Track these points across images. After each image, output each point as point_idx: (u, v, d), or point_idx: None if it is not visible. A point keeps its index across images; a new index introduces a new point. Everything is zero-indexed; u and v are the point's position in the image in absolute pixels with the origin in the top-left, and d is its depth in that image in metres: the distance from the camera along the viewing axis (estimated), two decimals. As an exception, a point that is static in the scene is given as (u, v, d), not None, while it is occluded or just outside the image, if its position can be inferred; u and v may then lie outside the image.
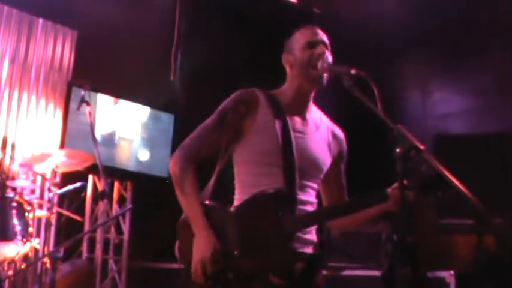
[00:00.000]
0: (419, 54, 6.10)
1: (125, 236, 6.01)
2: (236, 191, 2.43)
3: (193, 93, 5.82)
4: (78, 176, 5.11)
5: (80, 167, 4.85)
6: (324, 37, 2.46)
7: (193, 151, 2.38)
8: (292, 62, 2.45)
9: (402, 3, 5.98)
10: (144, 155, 6.05)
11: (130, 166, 5.95)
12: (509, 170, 5.21)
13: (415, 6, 5.99)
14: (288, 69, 2.49)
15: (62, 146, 5.34)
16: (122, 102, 5.94)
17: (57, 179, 5.03)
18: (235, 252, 2.25)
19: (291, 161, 2.33)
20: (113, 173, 5.66)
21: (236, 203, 2.39)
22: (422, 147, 1.91)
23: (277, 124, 2.36)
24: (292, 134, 2.38)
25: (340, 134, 2.58)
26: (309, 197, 2.40)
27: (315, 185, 2.44)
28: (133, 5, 5.86)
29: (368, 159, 5.54)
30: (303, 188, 2.38)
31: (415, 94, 6.36)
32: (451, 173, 2.05)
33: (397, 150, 1.90)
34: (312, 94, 2.47)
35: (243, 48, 6.02)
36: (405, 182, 1.95)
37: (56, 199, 5.00)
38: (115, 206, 6.03)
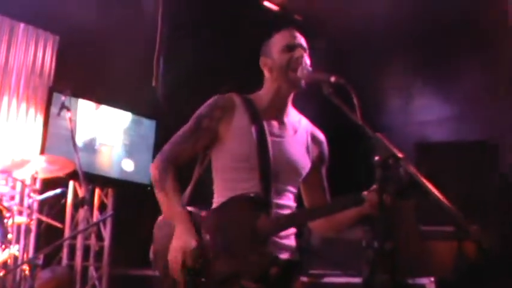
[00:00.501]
0: (400, 62, 6.17)
1: (106, 243, 5.97)
2: (214, 195, 2.46)
3: (175, 99, 5.81)
4: (59, 182, 5.07)
5: (60, 173, 4.82)
6: (303, 40, 2.48)
7: (173, 156, 2.40)
8: (270, 65, 2.47)
9: (383, 10, 6.02)
10: (125, 161, 6.03)
11: (112, 172, 5.93)
12: (489, 177, 5.25)
13: (397, 13, 6.05)
14: (266, 73, 2.50)
15: (42, 152, 5.30)
16: (103, 107, 5.92)
17: (37, 185, 5.00)
18: (210, 255, 2.26)
19: (267, 165, 2.35)
20: (94, 179, 5.63)
21: (214, 206, 2.41)
22: (400, 155, 1.92)
23: (254, 128, 2.38)
24: (269, 138, 2.39)
25: (320, 136, 2.59)
26: (286, 201, 2.41)
27: (293, 189, 2.46)
28: (116, 10, 5.84)
29: (348, 166, 5.58)
30: (281, 192, 2.39)
31: (396, 101, 6.41)
32: (430, 180, 2.07)
33: (376, 158, 1.92)
34: (291, 97, 2.49)
35: (226, 54, 6.04)
36: (383, 186, 1.97)
37: (35, 205, 4.97)
38: (96, 212, 5.99)
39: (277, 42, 2.47)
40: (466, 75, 5.73)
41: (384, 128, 5.99)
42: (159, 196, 2.36)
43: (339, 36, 5.95)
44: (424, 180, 1.94)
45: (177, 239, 2.26)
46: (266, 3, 5.51)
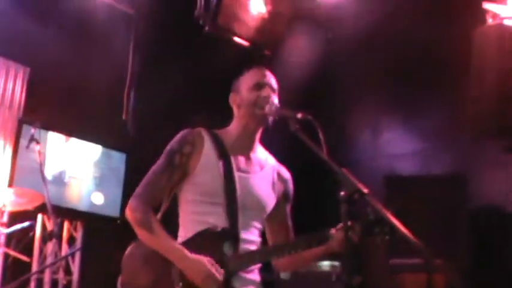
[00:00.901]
0: (368, 96, 6.26)
1: (74, 277, 5.88)
2: (180, 229, 2.48)
3: (145, 132, 5.82)
4: (27, 215, 5.00)
5: (28, 206, 4.77)
6: (272, 80, 2.53)
7: (147, 198, 2.40)
8: (239, 101, 2.51)
9: (353, 44, 6.15)
10: (95, 194, 5.98)
11: (81, 205, 5.87)
12: (459, 211, 5.30)
13: (364, 48, 6.18)
14: (234, 109, 2.55)
15: (10, 185, 5.24)
16: (73, 140, 5.88)
17: (5, 218, 4.93)
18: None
19: (234, 201, 2.38)
20: (63, 212, 5.57)
21: (179, 240, 2.42)
22: (365, 190, 1.95)
23: (221, 164, 2.41)
24: (236, 174, 2.43)
25: (286, 174, 2.63)
26: (252, 236, 2.44)
27: (258, 225, 2.49)
28: (87, 42, 5.87)
29: (315, 202, 5.62)
30: (246, 227, 2.42)
31: (365, 134, 6.49)
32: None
33: (341, 193, 1.94)
34: (258, 134, 2.53)
35: (196, 88, 6.09)
36: (349, 224, 2.00)
37: (2, 238, 4.89)
38: (64, 246, 5.91)
39: (246, 80, 2.52)
40: (432, 109, 5.83)
41: (353, 161, 6.14)
42: (149, 240, 2.34)
43: (307, 72, 6.04)
44: (391, 216, 1.97)
45: (194, 272, 2.25)
46: (237, 39, 5.57)
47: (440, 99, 5.78)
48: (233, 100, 2.55)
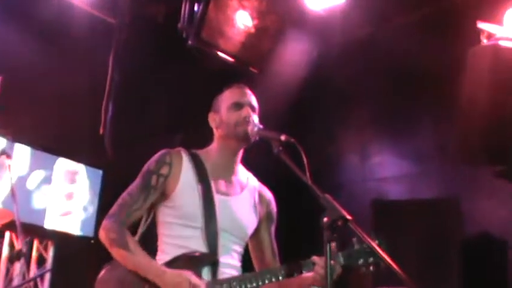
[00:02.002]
0: (355, 119, 6.32)
1: (43, 300, 5.84)
2: (158, 252, 2.49)
3: (123, 148, 5.82)
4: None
5: (-4, 224, 4.74)
6: (253, 98, 2.58)
7: (121, 219, 2.42)
8: (218, 121, 2.56)
9: (341, 64, 6.21)
10: (69, 212, 5.96)
11: (52, 223, 5.84)
12: (448, 236, 5.34)
13: (350, 69, 6.25)
14: (214, 129, 2.60)
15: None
16: (46, 155, 5.85)
17: (-30, 236, 4.90)
18: None
19: (213, 224, 2.41)
20: (32, 230, 5.54)
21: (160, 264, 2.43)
22: (349, 217, 1.98)
23: (200, 186, 2.45)
24: (215, 196, 2.46)
25: (268, 195, 2.67)
26: (232, 261, 2.47)
27: (239, 249, 2.52)
28: (64, 52, 5.84)
29: (297, 227, 5.63)
30: (227, 251, 2.45)
31: (353, 157, 6.53)
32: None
33: (324, 219, 1.97)
34: (239, 154, 2.57)
35: (178, 104, 6.10)
36: (333, 252, 2.02)
37: (-34, 258, 4.85)
38: (33, 266, 5.86)
39: (225, 99, 2.58)
40: (421, 132, 5.90)
41: (340, 184, 6.19)
42: (124, 256, 2.35)
43: (294, 94, 6.08)
44: (376, 245, 2.00)
45: (180, 284, 2.27)
46: (221, 55, 5.59)
47: (430, 121, 5.85)
48: (212, 120, 2.59)
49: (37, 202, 5.76)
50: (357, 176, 6.46)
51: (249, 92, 2.60)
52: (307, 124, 6.41)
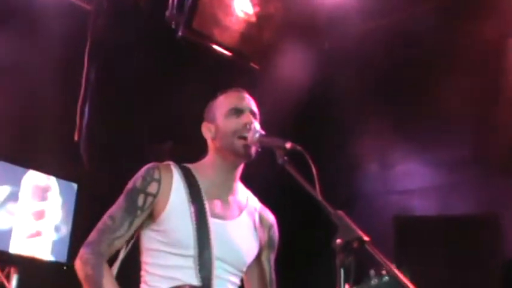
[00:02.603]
0: (377, 120, 6.28)
1: (5, 338, 5.83)
2: (141, 285, 2.48)
3: (101, 158, 5.82)
4: None
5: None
6: (252, 103, 2.58)
7: (102, 248, 2.38)
8: (213, 132, 2.55)
9: (356, 58, 6.20)
10: (36, 234, 5.95)
11: (16, 247, 5.83)
12: (488, 260, 5.33)
13: (372, 62, 6.24)
14: (208, 141, 2.59)
15: None
16: (9, 166, 5.84)
17: None
18: None
19: (207, 253, 2.39)
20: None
21: (144, 300, 2.42)
22: (366, 238, 1.98)
23: (192, 208, 2.43)
24: (210, 220, 2.44)
25: (270, 218, 2.67)
26: (228, 295, 2.46)
27: (236, 280, 2.51)
28: (31, 43, 5.80)
29: (304, 250, 5.62)
30: (222, 284, 2.44)
31: (372, 166, 6.52)
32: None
33: (337, 240, 1.98)
34: (239, 170, 2.56)
35: (165, 105, 6.09)
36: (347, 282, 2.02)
37: None
38: (-6, 297, 5.87)
39: (221, 105, 2.57)
40: (452, 138, 5.87)
41: (357, 199, 6.18)
42: None
43: (301, 93, 6.06)
44: (399, 274, 1.99)
45: None
46: (216, 48, 5.57)
47: (465, 124, 5.84)
48: (207, 130, 2.59)
49: (1, 222, 5.76)
50: (376, 188, 6.45)
51: (247, 96, 2.60)
52: (316, 129, 6.41)
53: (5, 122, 5.65)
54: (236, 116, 2.51)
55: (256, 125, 2.49)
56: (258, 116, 2.56)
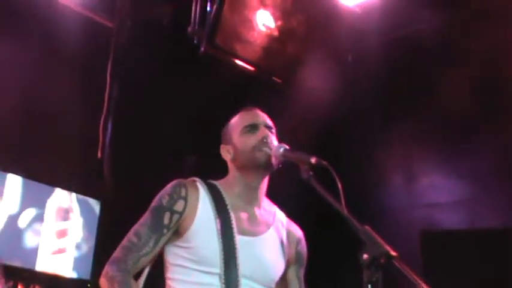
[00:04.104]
0: (401, 132, 6.25)
1: None
2: None
3: (125, 175, 5.83)
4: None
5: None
6: (266, 118, 2.59)
7: (127, 266, 2.37)
8: (232, 152, 2.57)
9: (380, 69, 6.16)
10: (60, 252, 5.97)
11: (41, 265, 5.86)
12: (510, 273, 5.27)
13: (397, 72, 6.21)
14: (228, 163, 2.61)
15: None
16: (33, 184, 5.88)
17: None
18: None
19: (234, 271, 2.38)
20: (17, 273, 5.54)
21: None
22: (394, 253, 1.96)
23: (219, 225, 2.42)
24: (237, 237, 2.43)
25: (298, 233, 2.66)
26: (257, 314, 2.44)
27: None
28: (53, 61, 5.85)
29: (330, 266, 5.58)
30: None
31: (397, 179, 6.47)
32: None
33: (364, 256, 1.96)
34: (264, 184, 2.56)
35: (188, 122, 6.10)
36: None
37: None
38: (17, 316, 5.88)
39: (236, 125, 2.59)
40: (480, 149, 5.81)
41: (381, 213, 6.13)
42: None
43: (325, 107, 6.05)
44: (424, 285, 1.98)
45: None
46: (239, 63, 5.57)
47: (494, 134, 5.78)
48: (225, 152, 2.61)
49: (22, 240, 5.77)
50: (401, 202, 6.39)
51: (260, 112, 2.61)
52: (340, 143, 6.39)
53: (28, 140, 5.69)
54: (252, 133, 2.53)
55: (274, 140, 2.50)
56: (274, 130, 2.57)
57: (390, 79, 6.24)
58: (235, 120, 2.62)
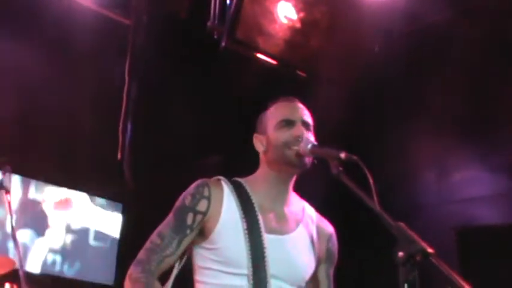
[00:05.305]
0: (433, 125, 6.21)
1: None
2: None
3: (146, 176, 5.85)
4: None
5: (-7, 274, 4.79)
6: (306, 113, 2.55)
7: (151, 267, 2.39)
8: (265, 144, 2.53)
9: (408, 59, 6.13)
10: (83, 256, 6.01)
11: (64, 271, 5.90)
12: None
13: (426, 62, 6.17)
14: (260, 153, 2.58)
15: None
16: (52, 188, 5.92)
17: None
18: None
19: (263, 271, 2.37)
20: (39, 280, 5.59)
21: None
22: (430, 250, 1.94)
23: (245, 224, 2.41)
24: (265, 237, 2.41)
25: (329, 229, 2.63)
26: (286, 314, 2.43)
27: None
28: (69, 61, 5.89)
29: (364, 263, 5.56)
30: None
31: (428, 174, 6.45)
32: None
33: (399, 253, 1.94)
34: (292, 181, 2.54)
35: (210, 119, 6.11)
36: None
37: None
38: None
39: (272, 116, 2.56)
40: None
41: (413, 210, 6.09)
42: None
43: (351, 100, 6.02)
44: (463, 282, 1.95)
45: None
46: (261, 57, 5.56)
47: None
48: (258, 142, 2.58)
49: (44, 246, 5.82)
50: (434, 198, 6.38)
51: (300, 106, 2.58)
52: (368, 137, 6.37)
53: (47, 143, 5.72)
54: (287, 128, 2.49)
55: (310, 137, 2.47)
56: (311, 126, 2.54)
57: (418, 68, 6.20)
58: (272, 110, 2.59)
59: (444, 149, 6.29)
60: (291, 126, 2.49)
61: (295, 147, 2.43)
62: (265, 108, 2.63)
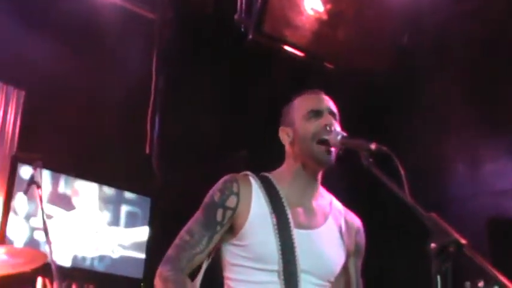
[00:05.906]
0: (465, 115, 6.15)
1: None
2: None
3: (174, 170, 5.86)
4: (23, 279, 5.08)
5: (26, 268, 4.82)
6: (331, 103, 2.55)
7: (181, 265, 2.39)
8: (291, 136, 2.53)
9: (438, 49, 6.08)
10: (112, 251, 6.05)
11: (94, 265, 5.94)
12: None
13: (457, 52, 6.12)
14: (286, 146, 2.57)
15: (1, 241, 5.34)
16: (82, 182, 5.97)
17: (-5, 284, 5.02)
18: None
19: (293, 267, 2.37)
20: (70, 274, 5.63)
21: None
22: (463, 241, 1.93)
23: (275, 220, 2.41)
24: (294, 231, 2.41)
25: (356, 222, 2.63)
26: (317, 309, 2.43)
27: None
28: (97, 56, 5.91)
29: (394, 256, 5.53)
30: None
31: (460, 166, 6.40)
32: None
33: (432, 245, 1.93)
34: (319, 175, 2.53)
35: (237, 113, 6.11)
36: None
37: (-7, 310, 4.97)
38: (72, 317, 5.97)
39: (299, 107, 2.54)
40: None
41: (445, 202, 6.06)
42: None
43: (380, 91, 5.99)
44: (498, 274, 1.94)
45: None
46: (288, 49, 5.56)
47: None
48: (284, 135, 2.57)
49: (74, 240, 5.86)
50: (466, 190, 6.32)
51: (325, 97, 2.56)
52: (397, 128, 6.34)
53: (76, 138, 5.76)
54: (315, 119, 2.48)
55: (337, 127, 2.47)
56: (337, 117, 2.54)
57: (450, 57, 6.15)
58: (298, 102, 2.57)
59: (476, 140, 6.25)
60: (318, 116, 2.48)
61: (325, 138, 2.42)
62: (289, 101, 2.63)
